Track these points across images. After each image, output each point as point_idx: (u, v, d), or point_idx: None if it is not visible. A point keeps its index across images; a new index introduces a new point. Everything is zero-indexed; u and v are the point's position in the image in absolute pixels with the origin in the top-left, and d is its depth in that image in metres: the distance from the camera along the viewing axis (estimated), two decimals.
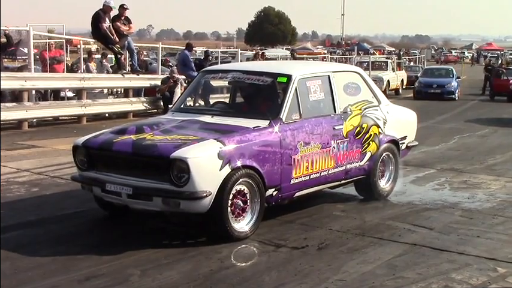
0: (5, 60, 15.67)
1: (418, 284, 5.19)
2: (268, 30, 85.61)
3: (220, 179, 5.92)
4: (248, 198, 6.25)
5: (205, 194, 5.80)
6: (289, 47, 63.54)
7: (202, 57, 22.27)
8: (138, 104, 16.66)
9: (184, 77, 17.35)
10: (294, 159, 6.65)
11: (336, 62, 34.23)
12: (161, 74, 18.05)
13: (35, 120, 14.11)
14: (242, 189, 6.18)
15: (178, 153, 5.76)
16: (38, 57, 16.34)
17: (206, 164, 5.85)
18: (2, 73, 13.39)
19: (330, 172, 7.17)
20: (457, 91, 27.63)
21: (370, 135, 7.69)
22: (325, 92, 7.28)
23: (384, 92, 28.25)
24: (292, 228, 6.70)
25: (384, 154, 8.01)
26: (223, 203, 5.95)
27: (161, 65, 19.22)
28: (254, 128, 6.46)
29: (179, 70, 17.86)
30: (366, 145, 7.65)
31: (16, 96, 14.04)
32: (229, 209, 6.03)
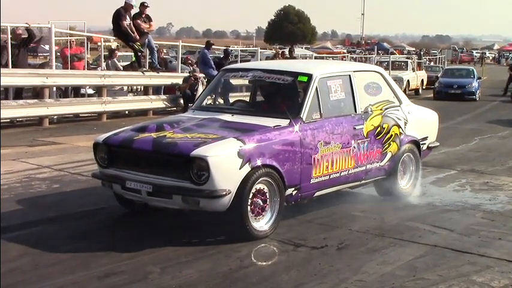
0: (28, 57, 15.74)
1: (439, 285, 5.15)
2: (288, 29, 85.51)
3: (240, 177, 5.92)
4: (268, 197, 6.24)
5: (224, 193, 5.81)
6: (308, 46, 63.39)
7: (222, 56, 22.29)
8: (157, 102, 16.71)
9: (203, 75, 17.38)
10: (314, 158, 6.64)
11: (355, 61, 34.12)
12: (181, 72, 18.10)
13: (55, 117, 14.20)
14: (262, 188, 6.17)
15: (198, 152, 5.77)
16: (59, 54, 16.42)
17: (226, 163, 5.86)
18: (24, 70, 13.49)
19: (350, 172, 7.16)
20: (477, 92, 27.42)
21: (391, 135, 7.68)
22: (346, 91, 7.26)
23: (404, 92, 28.15)
24: (312, 227, 6.68)
25: (405, 155, 7.99)
26: (243, 201, 5.95)
27: (181, 63, 19.24)
28: (274, 127, 6.46)
29: (199, 68, 17.89)
30: (387, 145, 7.64)
31: (37, 93, 14.13)
32: (249, 207, 6.03)
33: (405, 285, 5.17)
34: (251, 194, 6.05)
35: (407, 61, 32.54)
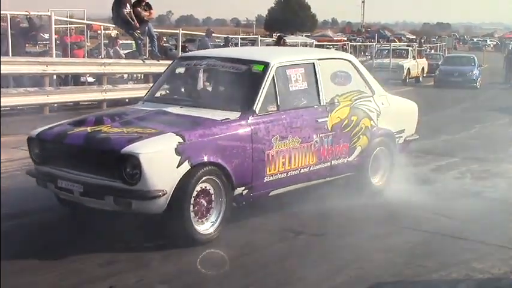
0: (27, 45, 15.73)
1: (439, 272, 5.18)
2: (288, 16, 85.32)
3: (178, 176, 5.33)
4: (213, 197, 5.69)
5: (159, 194, 5.23)
6: (309, 34, 63.26)
7: (222, 44, 22.27)
8: None
9: None
10: (268, 155, 6.03)
11: (356, 49, 34.07)
12: None
13: (55, 105, 14.20)
14: (206, 187, 5.61)
15: (130, 148, 5.20)
16: (58, 42, 16.41)
17: (161, 161, 5.28)
18: (24, 58, 13.48)
19: (311, 169, 6.57)
20: (478, 79, 27.43)
21: (361, 128, 7.07)
22: (308, 81, 6.64)
23: (404, 79, 28.32)
24: (312, 216, 6.60)
25: (378, 149, 7.41)
26: (183, 203, 5.38)
27: (181, 51, 19.21)
28: (222, 120, 5.87)
29: None
30: (356, 139, 7.03)
31: (37, 81, 14.12)
32: (191, 209, 5.48)
33: (405, 272, 5.21)
34: (194, 194, 5.49)
35: (407, 49, 32.50)
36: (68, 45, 15.87)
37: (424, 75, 31.13)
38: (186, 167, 5.35)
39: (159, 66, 16.65)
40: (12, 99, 12.64)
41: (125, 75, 17.40)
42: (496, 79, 29.89)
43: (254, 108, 6.02)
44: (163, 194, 5.25)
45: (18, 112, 12.73)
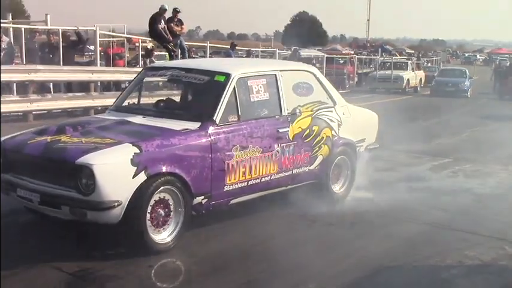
0: (75, 56, 15.88)
1: (435, 258, 5.18)
2: (302, 32, 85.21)
3: (134, 187, 4.79)
4: (172, 207, 5.14)
5: (114, 204, 4.72)
6: (320, 48, 63.07)
7: (244, 56, 22.27)
8: None
9: None
10: (228, 164, 5.47)
11: (362, 62, 33.95)
12: None
13: (100, 107, 14.29)
14: (165, 197, 5.09)
15: (84, 159, 4.70)
16: (102, 53, 16.54)
17: (115, 171, 4.76)
18: (73, 67, 13.64)
19: (273, 178, 5.98)
20: (469, 90, 27.28)
21: (322, 137, 6.50)
22: (270, 92, 6.07)
23: (404, 89, 28.20)
24: (322, 207, 6.40)
25: (339, 158, 6.81)
26: (139, 213, 4.84)
27: None
28: (182, 130, 5.31)
29: None
30: (317, 148, 6.45)
31: (84, 87, 14.24)
32: (148, 218, 4.95)
33: (404, 259, 5.21)
34: (151, 205, 4.96)
35: (407, 62, 32.34)
36: (111, 56, 15.97)
37: (422, 85, 30.98)
38: (142, 177, 4.83)
39: None
40: (63, 102, 12.81)
41: (160, 82, 17.45)
42: (485, 90, 29.60)
43: (214, 119, 5.47)
44: (118, 205, 4.74)
45: (67, 114, 12.84)
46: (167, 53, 17.26)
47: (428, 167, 9.30)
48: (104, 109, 14.37)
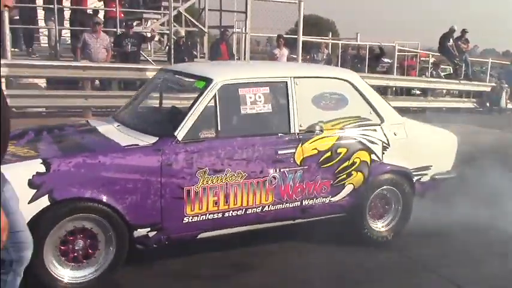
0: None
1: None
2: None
3: (30, 214, 3.83)
4: (99, 238, 4.25)
5: None
6: None
7: None
8: (468, 103, 18.67)
9: (507, 85, 19.17)
10: (187, 191, 4.42)
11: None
12: (488, 82, 20.02)
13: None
14: (92, 228, 4.19)
15: None
16: (398, 65, 19.45)
17: None
18: (374, 74, 16.03)
19: (266, 209, 4.81)
20: None
21: (353, 163, 5.17)
22: (275, 103, 4.96)
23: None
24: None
25: (382, 188, 5.44)
26: (38, 245, 3.79)
27: (488, 76, 21.21)
28: (126, 146, 4.37)
29: (504, 80, 19.72)
30: (344, 176, 5.13)
31: (381, 91, 16.91)
32: (56, 253, 4.11)
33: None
34: (61, 235, 4.11)
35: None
36: (405, 67, 18.98)
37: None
38: (43, 203, 3.92)
39: (470, 86, 19.04)
40: None
41: (444, 91, 20.02)
42: None
43: (175, 134, 4.45)
44: None
45: None
46: (449, 67, 19.54)
47: None
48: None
